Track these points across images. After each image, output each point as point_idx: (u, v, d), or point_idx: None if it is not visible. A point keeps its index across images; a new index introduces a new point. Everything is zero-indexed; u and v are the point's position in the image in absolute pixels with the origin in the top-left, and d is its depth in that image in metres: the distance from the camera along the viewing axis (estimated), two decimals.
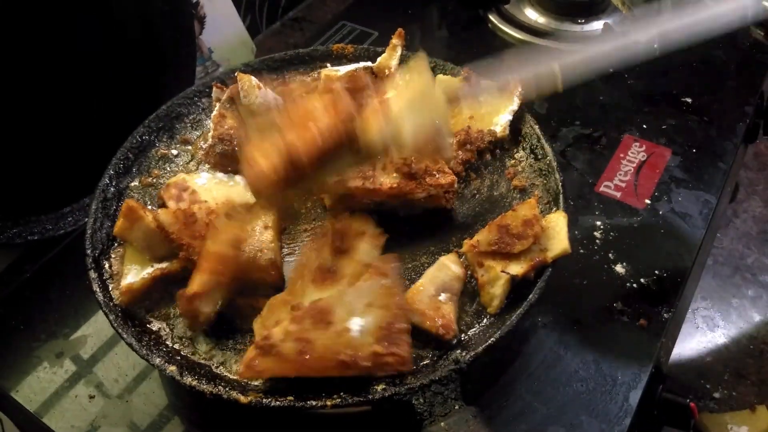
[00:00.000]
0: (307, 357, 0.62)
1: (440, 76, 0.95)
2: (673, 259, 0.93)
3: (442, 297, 0.74)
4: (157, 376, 0.85)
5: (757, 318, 1.47)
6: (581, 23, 1.31)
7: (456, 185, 0.81)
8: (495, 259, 0.73)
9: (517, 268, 0.72)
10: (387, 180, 0.78)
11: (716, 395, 1.33)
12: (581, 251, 0.94)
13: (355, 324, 0.63)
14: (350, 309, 0.64)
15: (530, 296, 0.71)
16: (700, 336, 1.44)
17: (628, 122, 1.13)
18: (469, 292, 0.76)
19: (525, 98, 0.90)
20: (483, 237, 0.75)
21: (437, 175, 0.79)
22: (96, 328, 0.91)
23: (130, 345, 0.68)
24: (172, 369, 0.66)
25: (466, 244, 0.76)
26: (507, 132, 0.89)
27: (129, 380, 0.85)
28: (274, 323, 0.66)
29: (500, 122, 0.89)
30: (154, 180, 0.89)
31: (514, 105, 0.89)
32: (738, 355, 1.39)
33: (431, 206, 0.82)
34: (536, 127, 0.88)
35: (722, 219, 1.52)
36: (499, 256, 0.74)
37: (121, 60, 1.05)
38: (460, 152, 0.87)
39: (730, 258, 1.54)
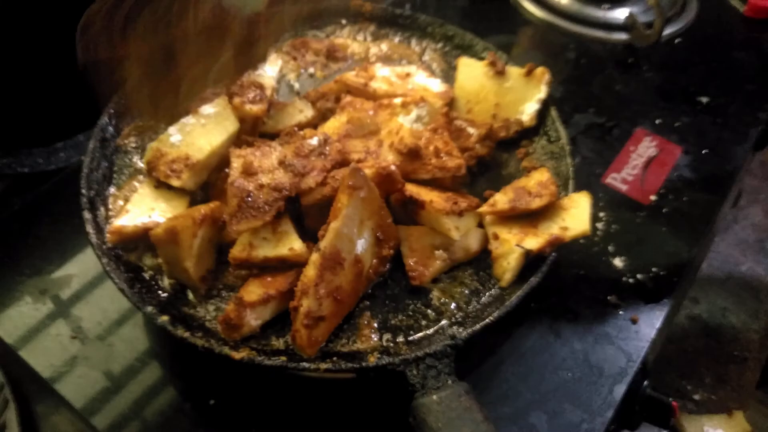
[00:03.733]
0: (342, 301, 0.67)
1: (464, 59, 0.92)
2: (672, 258, 0.93)
3: (438, 253, 0.74)
4: (140, 321, 0.83)
5: (744, 326, 1.49)
6: (605, 9, 1.28)
7: (464, 170, 0.78)
8: (511, 232, 0.73)
9: (532, 243, 0.71)
10: (391, 157, 0.76)
11: (696, 397, 1.35)
12: (581, 241, 0.93)
13: (359, 247, 0.69)
14: (351, 238, 0.68)
15: (531, 279, 0.71)
16: (687, 337, 1.46)
17: (642, 115, 1.12)
18: (472, 269, 0.76)
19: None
20: (500, 197, 0.75)
21: (444, 158, 0.76)
22: (82, 268, 0.89)
23: (121, 290, 0.67)
24: (164, 319, 0.65)
25: (484, 205, 0.75)
26: (535, 121, 0.87)
27: (112, 323, 0.83)
28: None
29: (527, 111, 0.87)
30: (153, 123, 0.86)
31: (542, 93, 0.87)
32: (722, 360, 1.41)
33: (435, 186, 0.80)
34: (553, 108, 0.87)
35: (722, 223, 1.53)
36: (516, 227, 0.73)
37: None
38: (477, 145, 0.84)
39: (725, 263, 1.55)
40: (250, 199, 0.68)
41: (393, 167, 0.72)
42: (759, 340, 1.45)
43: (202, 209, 0.70)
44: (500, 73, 0.88)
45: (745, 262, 1.55)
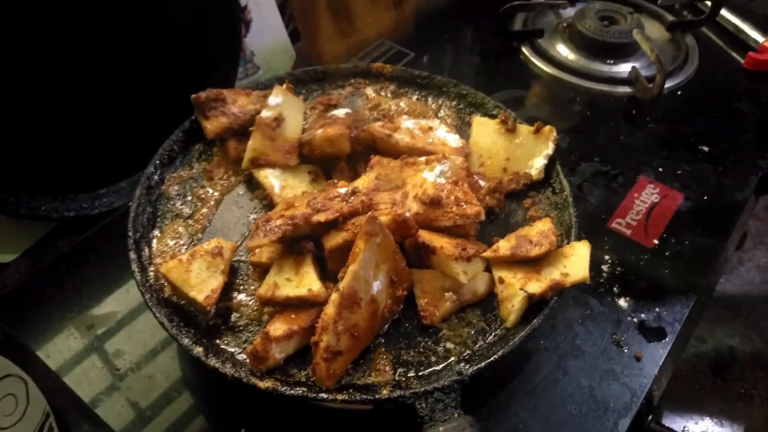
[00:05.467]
0: (359, 337, 0.72)
1: (478, 118, 0.99)
2: (673, 299, 0.97)
3: (448, 294, 0.79)
4: (174, 353, 0.90)
5: (751, 364, 1.50)
6: (610, 64, 1.35)
7: (483, 216, 0.83)
8: (515, 277, 0.78)
9: (535, 287, 0.76)
10: (415, 207, 0.82)
11: None
12: (588, 282, 0.98)
13: (375, 288, 0.74)
14: (367, 280, 0.73)
15: (534, 321, 0.76)
16: (695, 374, 1.47)
17: (646, 164, 1.17)
18: (480, 310, 0.81)
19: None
20: (503, 244, 0.81)
21: (464, 206, 0.82)
22: (124, 304, 0.96)
23: (161, 324, 0.74)
24: (198, 350, 0.72)
25: (488, 251, 0.81)
26: (542, 175, 0.93)
27: (149, 354, 0.90)
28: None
29: (536, 165, 0.93)
30: (194, 173, 0.95)
31: (549, 150, 0.92)
32: (729, 398, 1.41)
33: (455, 233, 0.84)
34: (557, 163, 0.93)
35: (727, 265, 1.56)
36: (521, 272, 0.78)
37: (169, 56, 1.10)
38: (487, 198, 0.90)
39: (730, 303, 1.56)
40: (266, 223, 0.78)
41: (407, 214, 0.77)
42: (765, 378, 1.46)
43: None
44: (511, 131, 0.94)
45: (751, 303, 1.57)
